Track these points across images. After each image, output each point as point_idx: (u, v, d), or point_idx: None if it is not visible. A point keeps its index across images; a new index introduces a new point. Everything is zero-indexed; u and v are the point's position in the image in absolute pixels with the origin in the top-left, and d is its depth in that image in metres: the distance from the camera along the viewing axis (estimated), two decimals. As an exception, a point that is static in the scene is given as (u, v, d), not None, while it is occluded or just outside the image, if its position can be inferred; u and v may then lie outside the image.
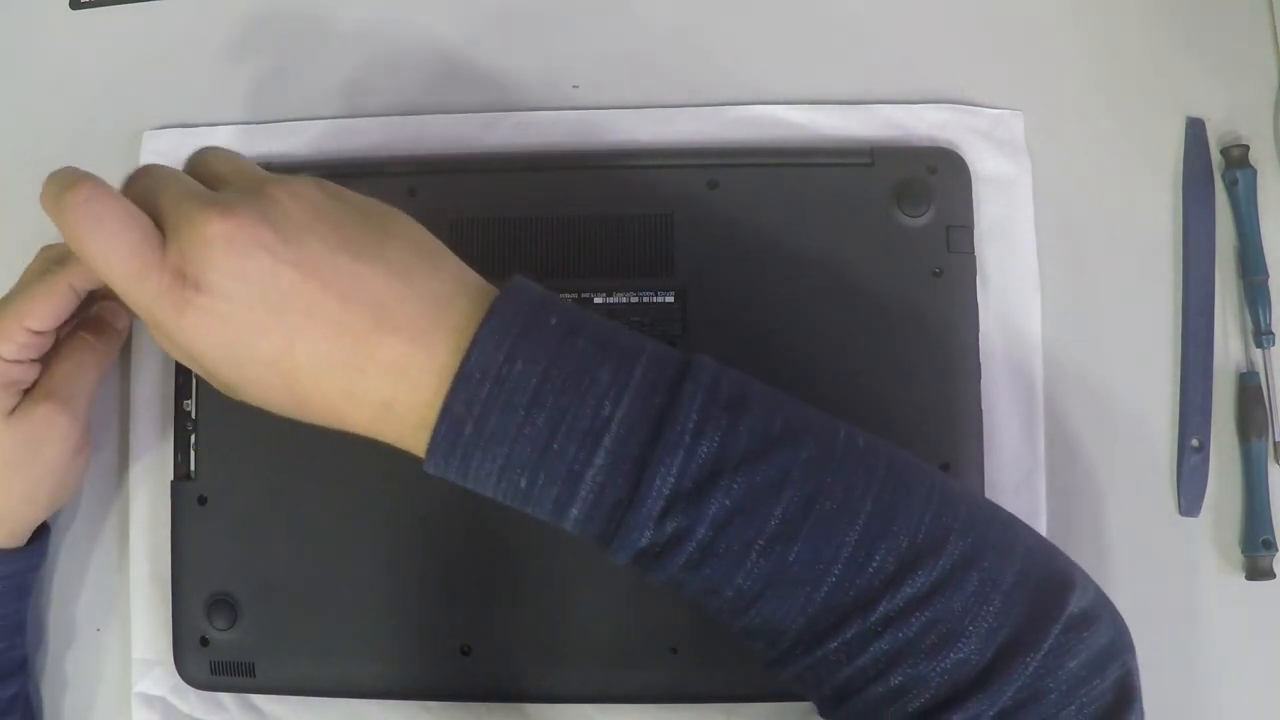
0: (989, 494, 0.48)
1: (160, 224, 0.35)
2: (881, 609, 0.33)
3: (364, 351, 0.34)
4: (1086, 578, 0.36)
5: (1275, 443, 0.50)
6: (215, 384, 0.36)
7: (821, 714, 0.36)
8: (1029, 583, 0.34)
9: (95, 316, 0.49)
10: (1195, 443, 0.50)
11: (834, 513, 0.34)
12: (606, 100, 0.53)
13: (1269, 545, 0.49)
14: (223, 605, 0.49)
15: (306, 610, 0.48)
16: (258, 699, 0.50)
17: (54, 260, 0.47)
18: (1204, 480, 0.50)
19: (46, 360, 0.47)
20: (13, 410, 0.45)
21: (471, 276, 0.37)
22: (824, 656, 0.34)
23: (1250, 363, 0.51)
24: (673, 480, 0.33)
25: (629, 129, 0.52)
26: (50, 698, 0.52)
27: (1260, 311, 0.50)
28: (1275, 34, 0.52)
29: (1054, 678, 0.33)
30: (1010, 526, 0.36)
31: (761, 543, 0.33)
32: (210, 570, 0.49)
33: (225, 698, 0.50)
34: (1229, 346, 0.51)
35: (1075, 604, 0.34)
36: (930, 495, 0.35)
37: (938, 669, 0.33)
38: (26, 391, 0.46)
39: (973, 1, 0.53)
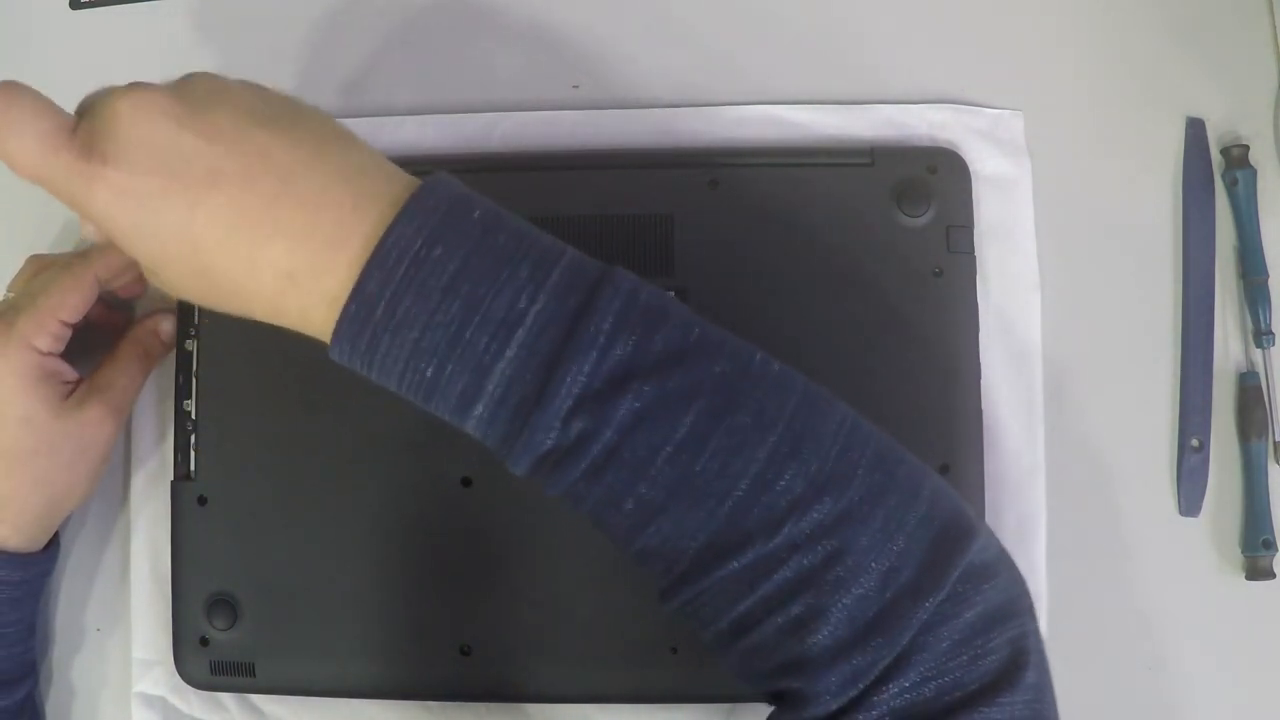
0: (989, 494, 0.48)
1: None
2: (786, 532, 0.32)
3: (268, 218, 0.33)
4: (990, 533, 0.35)
5: (1275, 443, 0.50)
6: (144, 267, 0.36)
7: (714, 651, 0.36)
8: (931, 527, 0.34)
9: (143, 326, 0.50)
10: (1195, 443, 0.50)
11: (745, 427, 0.33)
12: (606, 100, 0.53)
13: (1269, 545, 0.49)
14: (223, 605, 0.49)
15: (306, 610, 0.48)
16: (258, 699, 0.50)
17: (61, 265, 0.47)
18: (1204, 480, 0.50)
19: (97, 365, 0.48)
20: (61, 404, 0.46)
21: (390, 165, 0.36)
22: (724, 580, 0.33)
23: (1250, 363, 0.51)
24: (583, 380, 0.32)
25: (629, 129, 0.52)
26: (51, 697, 0.52)
27: (1260, 311, 0.50)
28: (1275, 34, 0.52)
29: (949, 626, 0.32)
30: (919, 471, 0.35)
31: (669, 450, 0.33)
32: (210, 570, 0.49)
33: (225, 698, 0.50)
34: (1229, 346, 0.51)
35: (976, 555, 0.34)
36: (841, 427, 0.34)
37: (839, 603, 0.32)
38: (68, 389, 0.47)
39: (973, 1, 0.53)
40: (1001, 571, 0.35)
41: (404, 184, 0.35)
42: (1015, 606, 0.34)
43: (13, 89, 0.35)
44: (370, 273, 0.32)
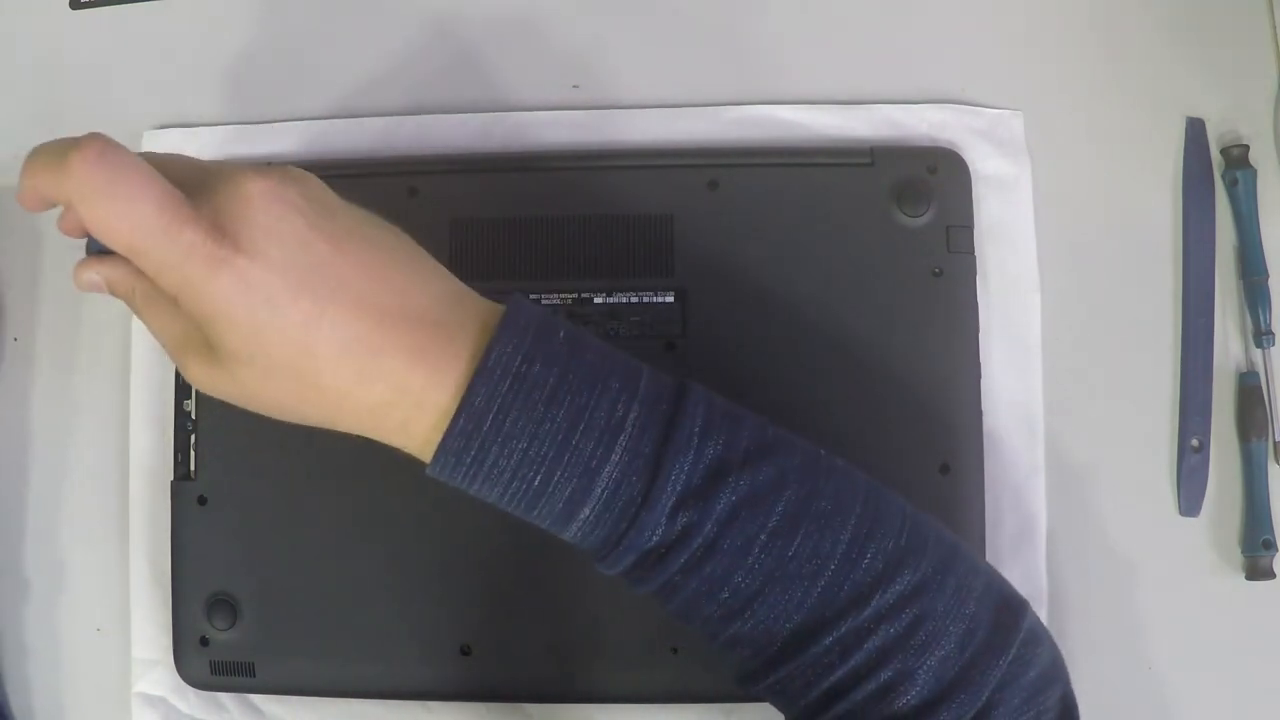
0: (989, 495, 0.48)
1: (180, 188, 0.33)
2: (874, 604, 0.35)
3: (386, 333, 0.34)
4: (1029, 604, 0.38)
5: (1275, 443, 0.50)
6: (205, 363, 0.35)
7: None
8: (992, 594, 0.37)
9: None
10: (1195, 443, 0.50)
11: (829, 512, 0.35)
12: (606, 100, 0.53)
13: (1269, 545, 0.49)
14: (223, 605, 0.49)
15: (306, 610, 0.48)
16: (258, 699, 0.50)
17: None
18: (1204, 480, 0.50)
19: None
20: None
21: (468, 287, 0.37)
22: (817, 656, 0.35)
23: (1250, 363, 0.51)
24: (684, 478, 0.34)
25: (629, 129, 0.52)
26: (50, 697, 0.52)
27: (1260, 311, 0.50)
28: (1275, 34, 0.52)
29: (1017, 684, 0.35)
30: (968, 547, 0.38)
31: (764, 538, 0.35)
32: (210, 570, 0.49)
33: (225, 698, 0.50)
34: (1229, 346, 0.51)
35: (1028, 622, 0.37)
36: (904, 508, 0.37)
37: (925, 665, 0.34)
38: None
39: (973, 1, 0.53)
40: (1045, 637, 0.38)
41: (488, 307, 0.36)
42: (1059, 668, 0.37)
43: (116, 148, 0.33)
44: (476, 389, 0.34)
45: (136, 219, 0.32)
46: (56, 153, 0.33)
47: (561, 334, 0.35)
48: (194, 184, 0.34)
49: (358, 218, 0.36)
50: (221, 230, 0.32)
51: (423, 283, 0.35)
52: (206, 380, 0.35)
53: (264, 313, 0.33)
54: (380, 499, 0.48)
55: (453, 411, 0.34)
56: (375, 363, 0.34)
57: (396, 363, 0.34)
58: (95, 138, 0.32)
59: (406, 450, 0.36)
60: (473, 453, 0.34)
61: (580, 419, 0.34)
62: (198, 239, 0.32)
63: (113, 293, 0.36)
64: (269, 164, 0.36)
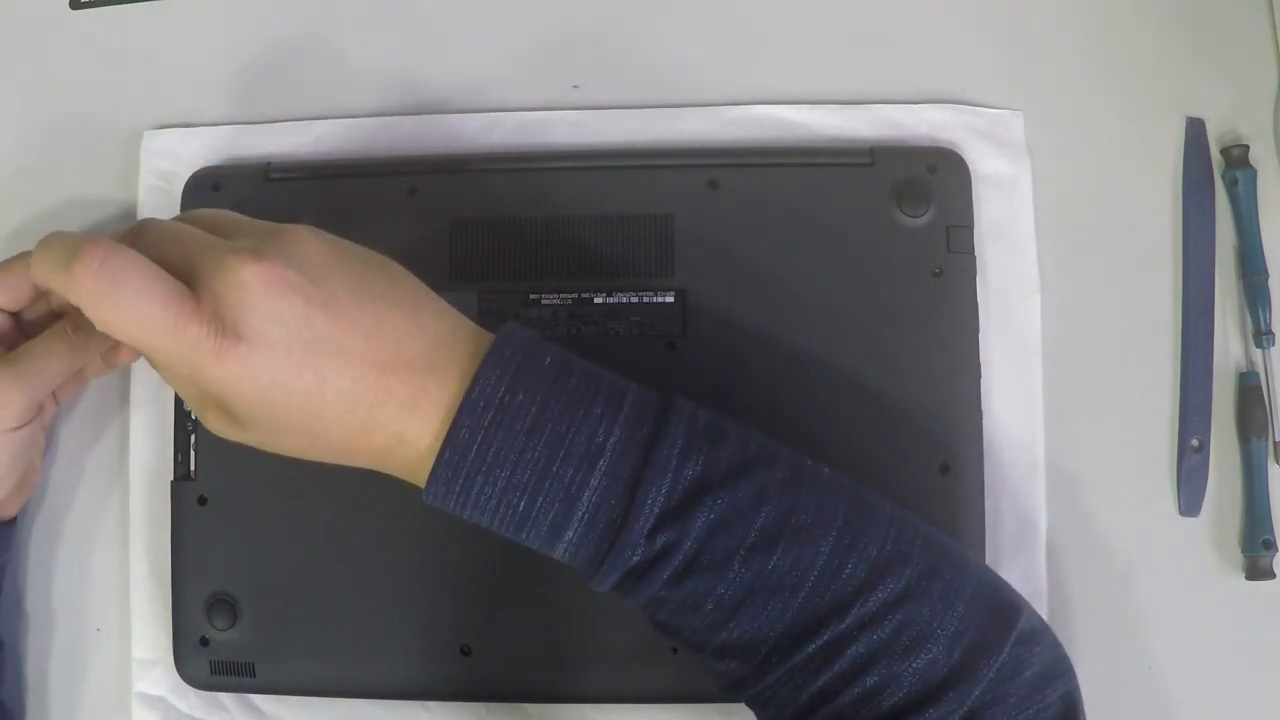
0: (989, 494, 0.48)
1: (179, 275, 0.35)
2: (855, 612, 0.35)
3: (384, 386, 0.36)
4: (1030, 605, 0.38)
5: (1275, 443, 0.50)
6: (224, 421, 0.37)
7: None
8: (984, 596, 0.37)
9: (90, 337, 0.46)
10: (1195, 443, 0.50)
11: (809, 525, 0.36)
12: (606, 100, 0.53)
13: (1269, 545, 0.49)
14: (223, 605, 0.49)
15: (306, 610, 0.48)
16: (258, 699, 0.50)
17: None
18: (1204, 480, 0.50)
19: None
20: None
21: (465, 319, 0.39)
22: (801, 662, 0.36)
23: (1250, 363, 0.51)
24: (662, 499, 0.35)
25: (629, 129, 0.52)
26: (51, 697, 0.52)
27: (1260, 311, 0.50)
28: (1275, 34, 0.52)
29: (1012, 684, 0.35)
30: (962, 552, 0.39)
31: (743, 552, 0.35)
32: (210, 570, 0.49)
33: (225, 698, 0.50)
34: (1229, 346, 0.51)
35: (1024, 621, 0.37)
36: (892, 518, 0.38)
37: (910, 669, 0.35)
38: None
39: (973, 1, 0.53)
40: (1046, 636, 0.38)
41: (481, 338, 0.38)
42: (1062, 666, 0.38)
43: (118, 254, 0.34)
44: (461, 421, 0.35)
45: (142, 321, 0.34)
46: (62, 255, 0.34)
47: (548, 360, 0.36)
48: (189, 267, 0.35)
49: (353, 270, 0.37)
50: (222, 321, 0.34)
51: (417, 327, 0.37)
52: (225, 432, 0.37)
53: (272, 389, 0.35)
54: (380, 499, 0.48)
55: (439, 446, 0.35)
56: (374, 416, 0.36)
57: (394, 413, 0.36)
58: (96, 246, 0.34)
59: (410, 481, 0.38)
60: (460, 482, 0.36)
61: (561, 445, 0.35)
62: (201, 333, 0.34)
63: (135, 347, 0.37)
64: (275, 224, 0.38)
